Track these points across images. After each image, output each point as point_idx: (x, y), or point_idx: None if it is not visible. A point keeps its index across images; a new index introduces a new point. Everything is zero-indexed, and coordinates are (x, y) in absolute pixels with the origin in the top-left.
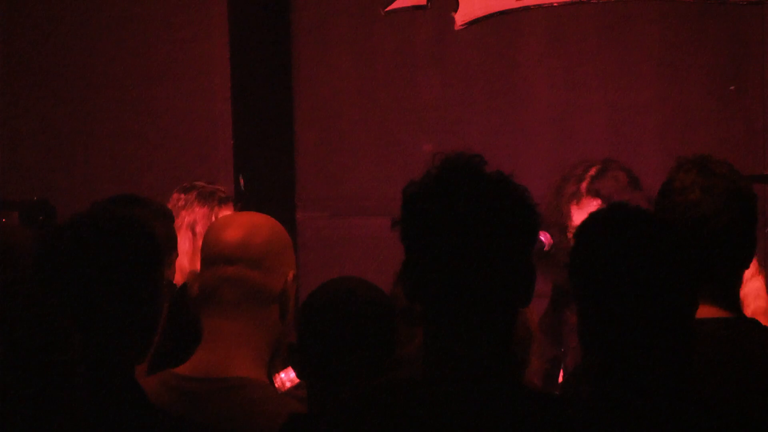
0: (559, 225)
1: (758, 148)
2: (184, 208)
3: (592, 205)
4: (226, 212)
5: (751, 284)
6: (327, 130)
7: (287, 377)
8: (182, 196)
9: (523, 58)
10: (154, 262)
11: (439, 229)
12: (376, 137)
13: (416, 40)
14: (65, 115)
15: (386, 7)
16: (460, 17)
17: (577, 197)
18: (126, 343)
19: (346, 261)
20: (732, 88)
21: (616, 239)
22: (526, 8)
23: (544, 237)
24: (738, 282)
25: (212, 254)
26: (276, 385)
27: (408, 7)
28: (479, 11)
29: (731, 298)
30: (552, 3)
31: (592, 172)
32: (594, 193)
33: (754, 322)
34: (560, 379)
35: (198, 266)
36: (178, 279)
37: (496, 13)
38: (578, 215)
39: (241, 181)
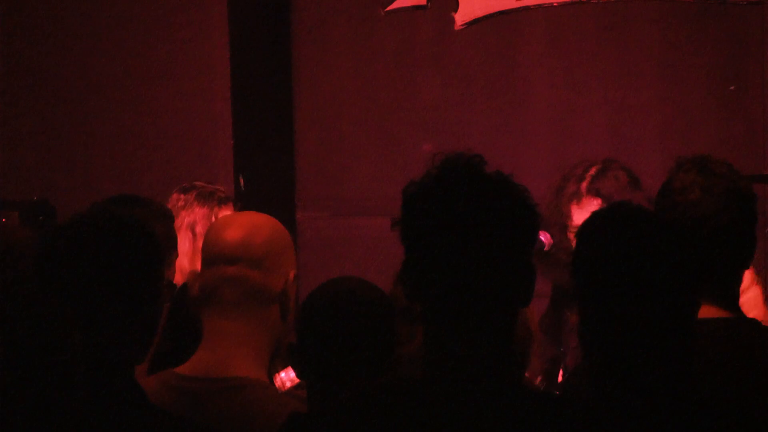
0: (560, 225)
1: (758, 148)
2: (184, 208)
3: (593, 204)
4: (226, 212)
5: (747, 294)
6: (327, 130)
7: (287, 377)
8: (182, 196)
9: (523, 58)
10: (154, 262)
11: (439, 229)
12: (376, 137)
13: (416, 40)
14: (65, 115)
15: (386, 7)
16: (460, 17)
17: (577, 197)
18: (126, 343)
19: (346, 261)
20: (732, 88)
21: (619, 238)
22: (526, 8)
23: (544, 237)
24: (738, 282)
25: (213, 254)
26: (276, 385)
27: (408, 7)
28: (479, 11)
29: (731, 298)
30: (552, 3)
31: (593, 171)
32: (594, 192)
33: (754, 322)
34: (560, 379)
35: (198, 266)
36: (178, 279)
37: (496, 13)
38: (578, 215)
39: (241, 181)
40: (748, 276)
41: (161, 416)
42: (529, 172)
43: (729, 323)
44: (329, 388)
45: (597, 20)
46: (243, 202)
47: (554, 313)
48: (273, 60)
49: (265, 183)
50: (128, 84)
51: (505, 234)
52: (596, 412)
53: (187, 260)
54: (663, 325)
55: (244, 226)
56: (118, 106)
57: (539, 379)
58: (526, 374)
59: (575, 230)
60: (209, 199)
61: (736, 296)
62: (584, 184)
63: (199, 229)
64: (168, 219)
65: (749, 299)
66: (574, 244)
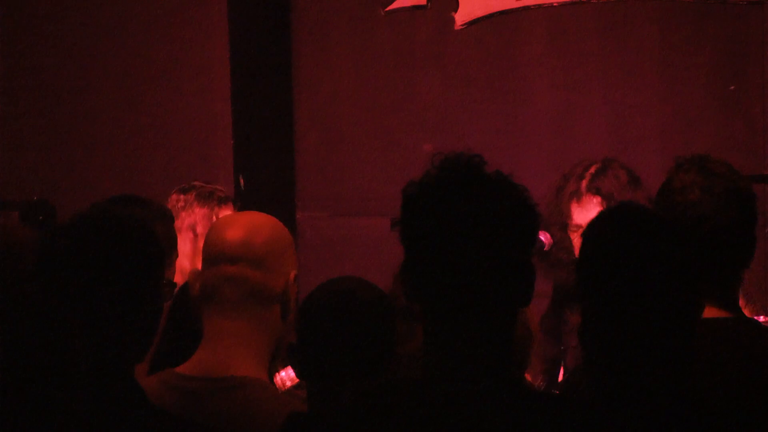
0: (560, 223)
1: (758, 148)
2: (184, 209)
3: (593, 203)
4: (227, 212)
5: None
6: (327, 130)
7: (287, 377)
8: (181, 197)
9: (523, 58)
10: (154, 262)
11: (439, 229)
12: (376, 137)
13: (416, 40)
14: (65, 115)
15: (386, 7)
16: (460, 17)
17: (577, 195)
18: (126, 343)
19: (346, 261)
20: (732, 88)
21: (625, 238)
22: (526, 8)
23: (544, 237)
24: (738, 282)
25: (214, 253)
26: (276, 385)
27: (408, 7)
28: (479, 11)
29: (731, 298)
30: (552, 3)
31: (593, 170)
32: (594, 191)
33: (754, 322)
34: (560, 379)
35: (199, 266)
36: (179, 280)
37: (496, 13)
38: (579, 213)
39: (241, 181)
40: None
41: (161, 416)
42: (529, 172)
43: (729, 323)
44: (329, 388)
45: (597, 20)
46: (243, 202)
47: (554, 313)
48: (273, 60)
49: (265, 183)
50: (128, 84)
51: (504, 234)
52: (596, 412)
53: (188, 261)
54: (665, 325)
55: (245, 225)
56: (118, 106)
57: (539, 379)
58: (526, 374)
59: (575, 229)
60: (209, 199)
61: (736, 296)
62: (584, 183)
63: (200, 229)
64: (168, 219)
65: None
66: (574, 242)
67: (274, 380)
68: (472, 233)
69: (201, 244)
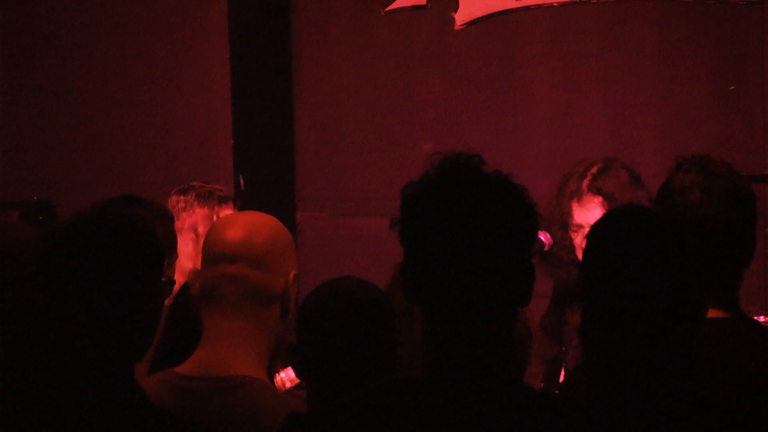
0: (561, 223)
1: (758, 148)
2: (185, 209)
3: (594, 202)
4: (227, 211)
5: None
6: (327, 130)
7: (287, 377)
8: (181, 197)
9: (523, 58)
10: (154, 262)
11: (438, 229)
12: (376, 137)
13: (416, 40)
14: (65, 115)
15: (386, 7)
16: (460, 17)
17: (578, 195)
18: (126, 343)
19: (346, 261)
20: (732, 88)
21: (629, 239)
22: (526, 8)
23: (545, 237)
24: (738, 282)
25: (214, 253)
26: (276, 385)
27: (408, 7)
28: (479, 11)
29: (731, 298)
30: (552, 3)
31: (594, 170)
32: (595, 190)
33: (753, 322)
34: (560, 379)
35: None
36: (180, 281)
37: (496, 13)
38: (579, 213)
39: (241, 181)
40: None
41: (161, 416)
42: (529, 172)
43: (729, 323)
44: (329, 388)
45: (597, 20)
46: (243, 202)
47: (555, 313)
48: (273, 60)
49: (265, 183)
50: (128, 84)
51: (504, 234)
52: (596, 412)
53: (190, 261)
54: (666, 326)
55: (245, 225)
56: (118, 106)
57: (539, 379)
58: (526, 374)
59: (576, 229)
60: (209, 199)
61: (736, 296)
62: (585, 182)
63: (201, 229)
64: (168, 220)
65: None
66: (575, 242)
67: (274, 380)
68: (472, 233)
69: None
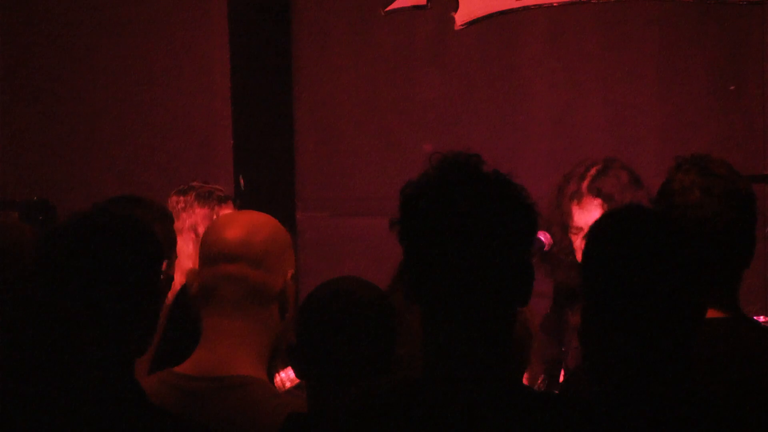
0: (561, 224)
1: (758, 148)
2: (184, 210)
3: (594, 203)
4: (227, 210)
5: None
6: (327, 130)
7: (287, 377)
8: (181, 198)
9: (523, 58)
10: (154, 262)
11: (437, 229)
12: (376, 137)
13: (416, 40)
14: (65, 115)
15: (386, 7)
16: (460, 17)
17: (578, 196)
18: (125, 343)
19: (346, 261)
20: (732, 88)
21: (629, 239)
22: (526, 8)
23: (544, 237)
24: (738, 282)
25: (213, 252)
26: (276, 385)
27: (408, 7)
28: (479, 11)
29: (731, 299)
30: (552, 3)
31: (594, 171)
32: (595, 191)
33: (753, 322)
34: (561, 379)
35: None
36: (180, 281)
37: (496, 13)
38: (579, 214)
39: (241, 181)
40: None
41: (161, 415)
42: (529, 172)
43: (729, 323)
44: (329, 388)
45: (597, 20)
46: (243, 202)
47: (555, 313)
48: (273, 60)
49: (265, 183)
50: (128, 84)
51: (503, 234)
52: (596, 412)
53: (190, 262)
54: (666, 326)
55: (244, 225)
56: (118, 106)
57: (540, 379)
58: (526, 374)
59: (576, 231)
60: (209, 198)
61: (735, 296)
62: (585, 183)
63: (201, 229)
64: (168, 220)
65: None
66: (575, 244)
67: (274, 380)
68: (471, 233)
69: None
